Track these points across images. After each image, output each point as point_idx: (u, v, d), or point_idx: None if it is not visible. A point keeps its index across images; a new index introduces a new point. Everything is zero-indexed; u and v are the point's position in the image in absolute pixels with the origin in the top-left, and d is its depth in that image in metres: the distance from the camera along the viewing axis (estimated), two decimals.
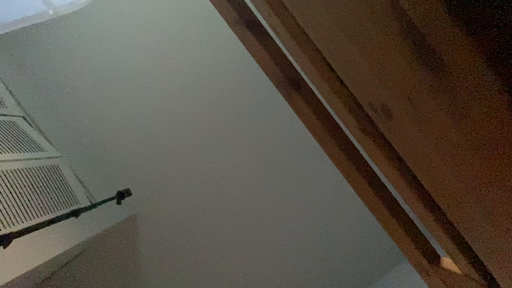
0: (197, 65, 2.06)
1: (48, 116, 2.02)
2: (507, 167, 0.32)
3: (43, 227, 1.21)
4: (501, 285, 0.49)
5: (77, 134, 2.07)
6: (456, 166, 0.37)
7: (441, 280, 0.71)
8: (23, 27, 1.63)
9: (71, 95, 2.07)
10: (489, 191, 0.36)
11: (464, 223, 0.46)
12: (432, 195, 0.50)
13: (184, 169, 2.07)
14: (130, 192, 1.84)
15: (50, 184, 1.60)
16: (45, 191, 1.54)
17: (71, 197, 1.70)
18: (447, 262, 0.69)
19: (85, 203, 1.75)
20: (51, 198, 1.55)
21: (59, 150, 1.87)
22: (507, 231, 0.37)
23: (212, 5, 0.81)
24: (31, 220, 1.37)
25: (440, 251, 0.70)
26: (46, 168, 1.65)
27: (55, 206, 1.55)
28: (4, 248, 1.08)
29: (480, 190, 0.37)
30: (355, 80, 0.46)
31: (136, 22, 2.04)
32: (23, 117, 1.83)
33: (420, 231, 0.75)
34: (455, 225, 0.49)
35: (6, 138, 1.56)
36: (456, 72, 0.30)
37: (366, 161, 0.76)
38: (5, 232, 1.09)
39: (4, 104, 1.75)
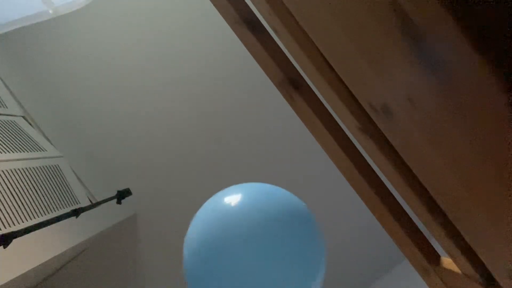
0: (197, 65, 2.05)
1: (48, 116, 2.02)
2: (507, 166, 0.32)
3: (43, 227, 1.22)
4: (501, 285, 0.49)
5: (77, 134, 2.07)
6: (456, 166, 0.37)
7: (441, 280, 0.71)
8: (23, 27, 1.63)
9: (71, 95, 2.07)
10: (489, 191, 0.36)
11: (464, 223, 0.46)
12: (432, 195, 0.50)
13: (184, 169, 2.07)
14: (130, 192, 1.83)
15: (50, 184, 1.60)
16: (45, 190, 1.54)
17: (71, 196, 1.70)
18: (447, 262, 0.69)
19: (85, 202, 1.75)
20: (51, 198, 1.55)
21: (60, 149, 1.87)
22: (508, 231, 0.37)
23: (212, 5, 0.81)
24: (31, 220, 1.37)
25: (440, 251, 0.70)
26: (47, 167, 1.65)
27: (56, 205, 1.55)
28: (4, 248, 1.08)
29: (480, 190, 0.37)
30: (355, 80, 0.46)
31: (136, 21, 2.03)
32: (23, 116, 1.83)
33: (420, 231, 0.75)
34: (455, 224, 0.50)
35: (7, 138, 1.56)
36: (456, 71, 0.30)
37: (366, 160, 0.76)
38: (5, 232, 1.09)
39: (4, 104, 1.75)
